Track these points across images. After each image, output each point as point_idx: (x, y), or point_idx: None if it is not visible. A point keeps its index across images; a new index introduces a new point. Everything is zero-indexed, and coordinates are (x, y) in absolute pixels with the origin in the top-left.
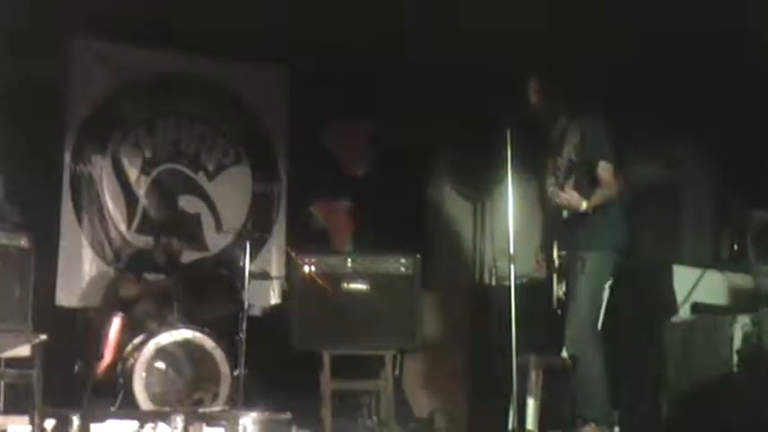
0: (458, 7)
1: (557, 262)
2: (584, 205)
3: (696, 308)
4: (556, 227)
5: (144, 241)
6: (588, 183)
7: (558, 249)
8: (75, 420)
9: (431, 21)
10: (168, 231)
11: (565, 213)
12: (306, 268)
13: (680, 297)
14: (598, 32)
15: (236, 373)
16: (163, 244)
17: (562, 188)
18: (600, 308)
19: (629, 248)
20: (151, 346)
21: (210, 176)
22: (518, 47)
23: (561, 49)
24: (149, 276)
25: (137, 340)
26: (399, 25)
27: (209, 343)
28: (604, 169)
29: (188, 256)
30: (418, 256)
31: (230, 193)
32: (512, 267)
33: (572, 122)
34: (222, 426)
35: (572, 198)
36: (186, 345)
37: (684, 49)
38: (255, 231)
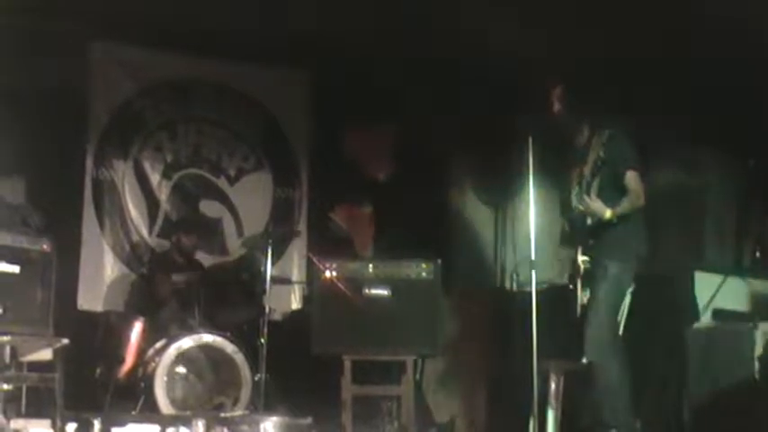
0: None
1: (582, 268)
2: (607, 214)
3: (717, 314)
4: (579, 233)
5: (165, 246)
6: (614, 191)
7: (582, 255)
8: (97, 424)
9: (449, 22)
10: (178, 228)
11: (589, 220)
12: (327, 273)
13: (701, 303)
14: (616, 34)
15: (256, 377)
16: (173, 241)
17: (588, 193)
18: (620, 315)
19: (650, 255)
20: (172, 350)
21: (232, 181)
22: (543, 49)
23: (585, 50)
24: (175, 277)
25: (158, 344)
26: (422, 27)
27: (230, 347)
28: (631, 178)
29: (209, 261)
30: (439, 261)
31: (251, 199)
32: (533, 273)
33: (596, 130)
34: (243, 430)
35: (596, 206)
36: (207, 349)
37: (709, 51)
38: (278, 235)
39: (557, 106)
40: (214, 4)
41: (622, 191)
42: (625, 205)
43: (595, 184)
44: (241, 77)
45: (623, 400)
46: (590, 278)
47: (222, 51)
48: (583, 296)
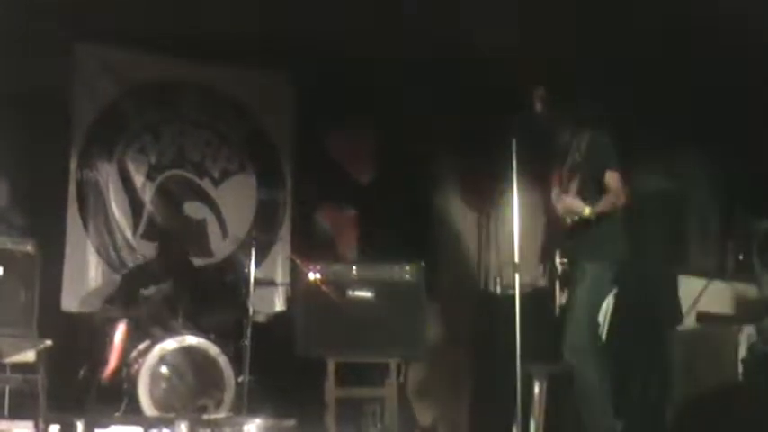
0: (458, 8)
1: (559, 269)
2: (586, 211)
3: (701, 317)
4: (558, 235)
5: (149, 247)
6: (594, 191)
7: (561, 257)
8: (80, 426)
9: (432, 22)
10: (169, 237)
11: (568, 220)
12: (311, 275)
13: (685, 306)
14: (598, 34)
15: (240, 379)
16: (163, 250)
17: (566, 192)
18: (603, 317)
19: (633, 258)
20: (156, 352)
21: (216, 183)
22: (525, 49)
23: (562, 50)
24: (146, 291)
25: (141, 346)
26: (406, 28)
27: (213, 349)
28: (611, 178)
29: (193, 263)
30: (423, 263)
31: (235, 200)
32: (516, 276)
33: (577, 131)
34: None
35: (574, 204)
36: (191, 351)
37: (695, 52)
38: (261, 237)
39: (539, 107)
40: (198, 7)
41: (603, 192)
42: (604, 204)
43: (575, 184)
44: (225, 79)
45: (604, 402)
46: (568, 280)
47: (206, 53)
48: (561, 298)
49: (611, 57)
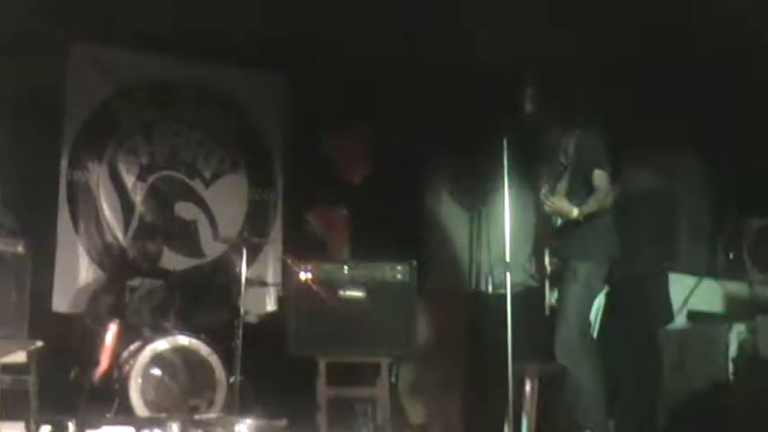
0: (457, 9)
1: (548, 269)
2: (574, 213)
3: (692, 316)
4: (548, 234)
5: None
6: (583, 190)
7: (550, 256)
8: (71, 427)
9: (424, 23)
10: (145, 234)
11: (558, 221)
12: (302, 275)
13: (676, 305)
14: (594, 34)
15: (231, 379)
16: (138, 247)
17: (553, 192)
18: (594, 316)
19: (624, 257)
20: (147, 352)
21: (207, 183)
22: (516, 49)
23: (560, 51)
24: (133, 282)
25: (133, 347)
26: (398, 28)
27: (204, 349)
28: (599, 177)
29: (184, 263)
30: (414, 263)
31: (227, 200)
32: (508, 275)
33: (567, 130)
34: None
35: (563, 205)
36: (182, 351)
37: (682, 51)
38: (253, 237)
39: (528, 106)
40: (192, 6)
41: (591, 191)
42: (592, 204)
43: (564, 183)
44: (219, 79)
45: (595, 400)
46: (558, 280)
47: (200, 53)
48: (551, 297)
49: (601, 55)
